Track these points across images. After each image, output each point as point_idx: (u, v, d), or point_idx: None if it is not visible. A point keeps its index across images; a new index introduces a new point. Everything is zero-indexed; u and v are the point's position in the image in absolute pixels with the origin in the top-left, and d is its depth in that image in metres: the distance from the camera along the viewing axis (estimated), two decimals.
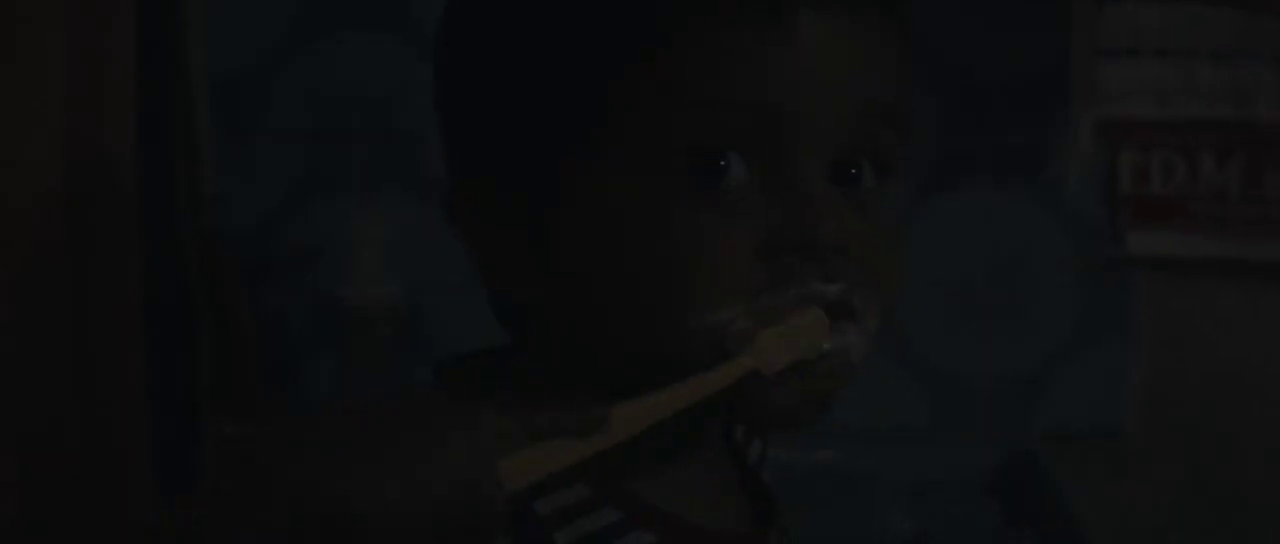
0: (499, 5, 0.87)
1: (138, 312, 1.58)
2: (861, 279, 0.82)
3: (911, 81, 0.87)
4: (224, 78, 1.85)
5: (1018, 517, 1.90)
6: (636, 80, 0.82)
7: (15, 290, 1.56)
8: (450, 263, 0.93)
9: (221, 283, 1.76)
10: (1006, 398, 1.99)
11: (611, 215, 0.82)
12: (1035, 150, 1.95)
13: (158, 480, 1.64)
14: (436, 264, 0.93)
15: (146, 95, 1.62)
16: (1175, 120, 1.95)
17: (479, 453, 0.74)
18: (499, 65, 0.86)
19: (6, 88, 1.56)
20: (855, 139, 0.83)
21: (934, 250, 1.94)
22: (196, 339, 1.74)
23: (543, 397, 0.79)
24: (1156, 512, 1.96)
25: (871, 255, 0.83)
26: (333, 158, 1.88)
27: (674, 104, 0.81)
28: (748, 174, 0.81)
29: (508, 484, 0.74)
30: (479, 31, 0.87)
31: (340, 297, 1.83)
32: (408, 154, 1.85)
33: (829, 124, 0.82)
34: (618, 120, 0.82)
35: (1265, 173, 1.96)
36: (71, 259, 1.57)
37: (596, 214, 0.83)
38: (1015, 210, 1.96)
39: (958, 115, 1.93)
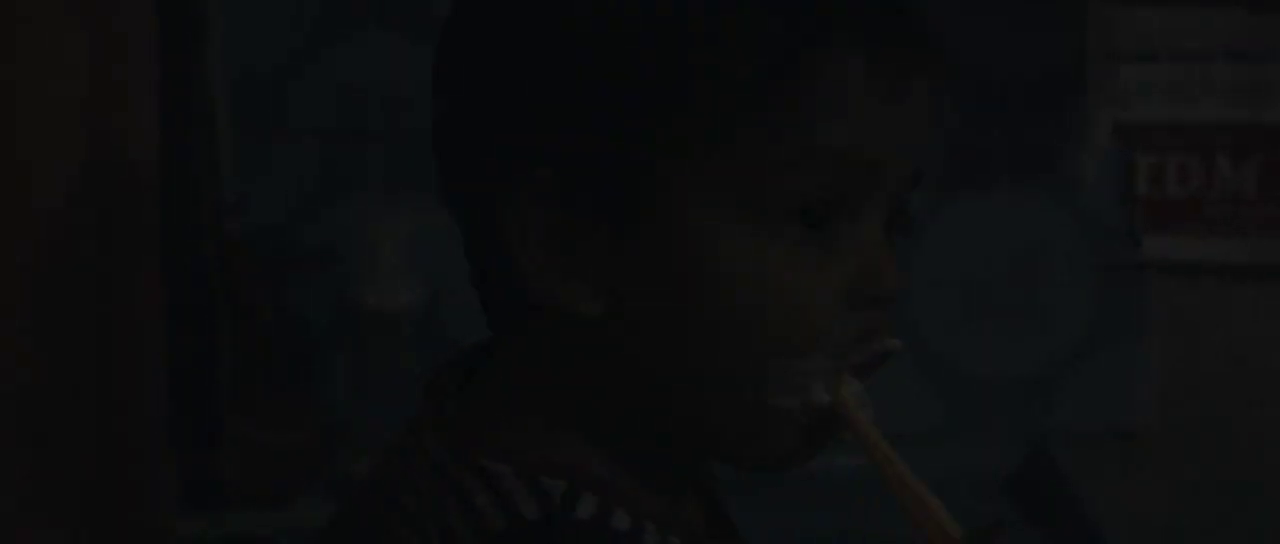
0: None
1: (160, 312, 1.58)
2: None
3: None
4: (244, 78, 1.85)
5: (1032, 516, 1.90)
6: (765, 110, 0.81)
7: (37, 291, 1.57)
8: None
9: (241, 284, 1.76)
10: (1021, 398, 1.99)
11: (711, 245, 0.82)
12: (1051, 151, 1.96)
13: (179, 481, 1.65)
14: (457, 264, 0.91)
15: (167, 96, 1.62)
16: (1191, 122, 1.96)
17: None
18: (595, 50, 0.82)
19: (28, 88, 1.56)
20: (903, 196, 0.87)
21: (949, 250, 1.94)
22: (218, 340, 1.75)
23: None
24: (1170, 511, 1.97)
25: None
26: (352, 158, 1.89)
27: (799, 149, 0.81)
28: (840, 225, 0.84)
29: None
30: (568, 7, 0.83)
31: (360, 297, 1.83)
32: (427, 154, 1.85)
33: (902, 183, 0.86)
34: (733, 146, 0.81)
35: None
36: (93, 260, 1.57)
37: (695, 240, 0.82)
38: (1030, 211, 1.96)
39: (973, 116, 1.93)
